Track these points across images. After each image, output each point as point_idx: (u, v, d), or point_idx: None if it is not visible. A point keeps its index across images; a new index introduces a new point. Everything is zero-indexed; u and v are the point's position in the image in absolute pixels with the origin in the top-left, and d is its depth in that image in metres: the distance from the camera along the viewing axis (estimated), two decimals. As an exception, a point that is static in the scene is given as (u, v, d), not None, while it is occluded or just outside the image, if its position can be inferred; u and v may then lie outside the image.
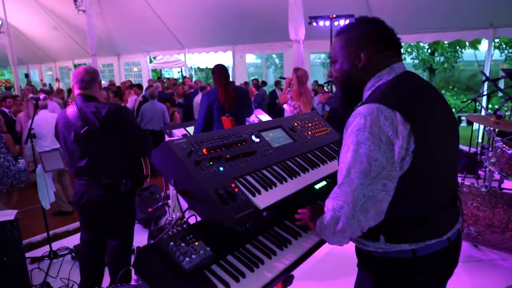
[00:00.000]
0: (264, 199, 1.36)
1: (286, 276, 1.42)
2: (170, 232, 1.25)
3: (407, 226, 1.26)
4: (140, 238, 3.00)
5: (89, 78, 2.57)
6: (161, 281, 1.18)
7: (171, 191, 1.31)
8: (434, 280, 1.35)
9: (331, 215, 1.25)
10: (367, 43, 1.33)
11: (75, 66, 20.81)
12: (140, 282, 2.18)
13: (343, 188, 1.21)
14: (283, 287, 1.52)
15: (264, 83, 12.89)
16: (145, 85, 11.84)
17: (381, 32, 1.35)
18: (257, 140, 1.63)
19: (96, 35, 12.39)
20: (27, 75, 22.96)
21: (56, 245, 3.99)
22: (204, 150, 1.40)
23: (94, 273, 2.91)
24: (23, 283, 3.06)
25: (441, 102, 1.37)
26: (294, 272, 1.46)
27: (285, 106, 6.26)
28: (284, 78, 6.06)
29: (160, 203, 1.38)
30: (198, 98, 7.25)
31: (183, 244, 1.23)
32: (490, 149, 3.35)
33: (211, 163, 1.37)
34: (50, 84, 16.15)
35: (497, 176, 4.55)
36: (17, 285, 3.00)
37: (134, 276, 2.28)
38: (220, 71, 3.76)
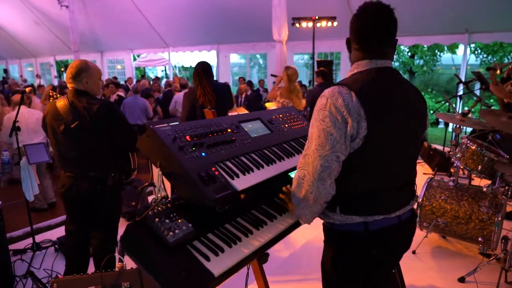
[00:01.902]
0: (242, 182, 1.49)
1: (261, 253, 1.55)
2: (155, 210, 1.36)
3: (358, 199, 1.44)
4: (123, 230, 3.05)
5: (75, 72, 2.57)
6: (146, 255, 1.29)
7: (157, 172, 1.42)
8: (384, 254, 1.51)
9: (296, 182, 1.45)
10: (352, 34, 1.49)
11: (57, 62, 20.52)
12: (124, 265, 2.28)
13: (306, 159, 1.41)
14: (258, 264, 1.64)
15: (251, 83, 13.00)
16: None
17: (359, 28, 1.45)
18: (237, 130, 1.76)
19: (79, 31, 12.29)
20: (5, 71, 22.48)
21: (38, 239, 4.01)
22: (187, 137, 1.51)
23: (79, 263, 2.95)
24: (5, 274, 3.10)
25: (410, 102, 1.48)
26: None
27: (267, 104, 6.39)
28: (275, 76, 6.23)
29: (147, 183, 1.49)
30: (179, 96, 7.22)
31: (167, 221, 1.34)
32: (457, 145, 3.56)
33: (193, 148, 1.49)
34: (32, 84, 15.86)
35: (465, 172, 4.80)
36: (0, 275, 3.04)
37: (118, 264, 2.37)
38: (198, 70, 3.70)
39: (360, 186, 1.44)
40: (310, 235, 3.79)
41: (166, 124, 1.51)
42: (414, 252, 3.40)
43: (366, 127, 1.33)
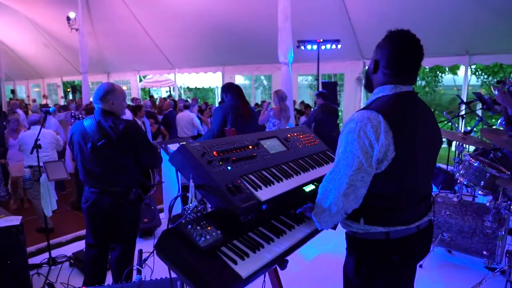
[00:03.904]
0: (264, 193, 1.64)
1: (282, 259, 1.68)
2: (187, 218, 1.50)
3: (382, 212, 1.57)
4: (136, 246, 3.07)
5: (102, 94, 2.76)
6: (180, 258, 1.42)
7: (190, 183, 1.57)
8: (403, 260, 1.63)
9: (322, 193, 1.58)
10: (385, 58, 1.59)
11: (64, 83, 20.93)
12: (143, 276, 2.40)
13: (333, 175, 1.55)
14: (275, 273, 1.76)
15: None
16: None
17: (393, 55, 1.56)
18: (257, 147, 1.92)
19: (88, 53, 12.63)
20: (13, 91, 22.91)
21: (52, 255, 4.10)
22: (214, 153, 1.67)
23: (97, 276, 3.05)
24: (25, 286, 3.21)
25: (428, 122, 1.65)
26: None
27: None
28: (260, 104, 6.91)
29: (179, 194, 1.63)
30: (183, 116, 7.30)
31: (198, 228, 1.48)
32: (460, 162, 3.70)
33: (220, 163, 1.64)
34: (57, 104, 16.20)
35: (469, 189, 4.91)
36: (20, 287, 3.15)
37: (135, 276, 2.48)
38: (238, 90, 4.32)
39: (386, 200, 1.56)
40: (323, 248, 3.87)
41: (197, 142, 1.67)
42: (421, 266, 3.49)
43: (394, 149, 1.45)
